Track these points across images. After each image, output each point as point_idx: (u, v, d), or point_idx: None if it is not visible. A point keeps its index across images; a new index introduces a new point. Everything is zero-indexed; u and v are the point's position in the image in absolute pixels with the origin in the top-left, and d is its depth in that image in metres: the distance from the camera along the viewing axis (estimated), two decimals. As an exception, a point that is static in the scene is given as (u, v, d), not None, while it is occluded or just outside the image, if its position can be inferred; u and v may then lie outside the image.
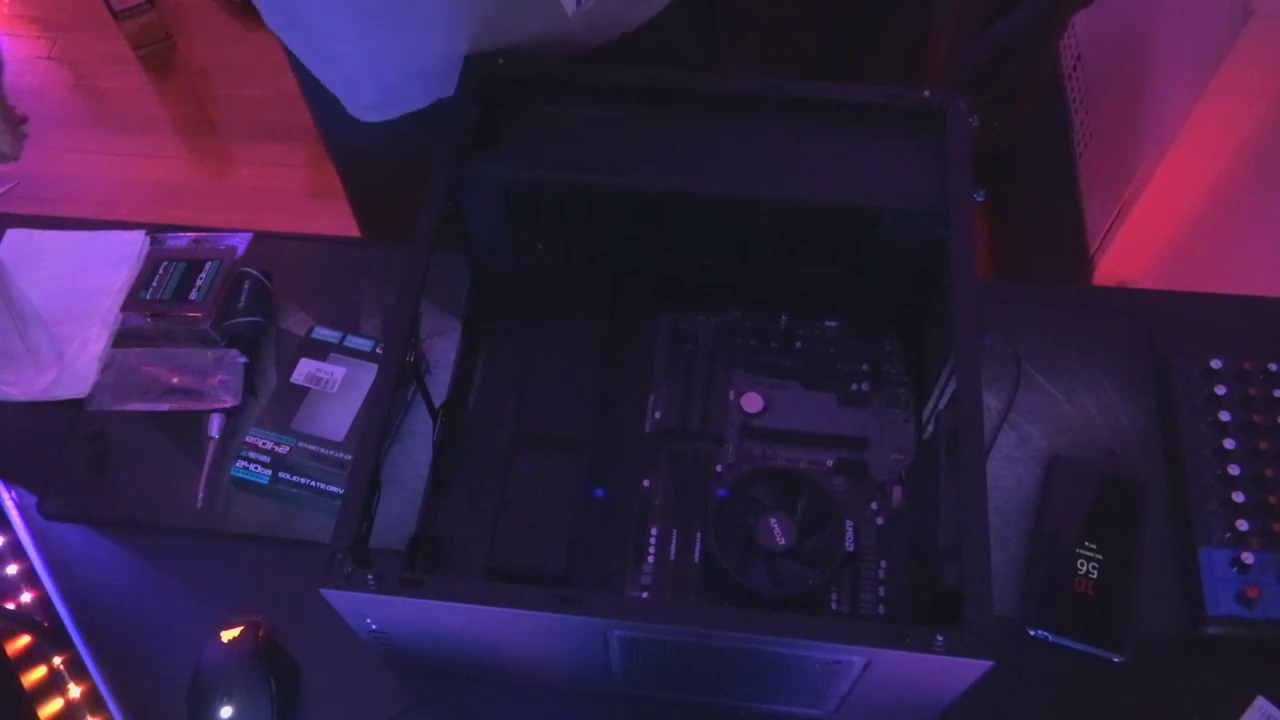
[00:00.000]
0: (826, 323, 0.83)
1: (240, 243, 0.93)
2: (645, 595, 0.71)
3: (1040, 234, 1.65)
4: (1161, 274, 1.38)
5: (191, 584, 0.80)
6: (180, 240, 0.94)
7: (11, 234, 0.96)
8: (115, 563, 0.81)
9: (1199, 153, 1.23)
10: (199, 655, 0.73)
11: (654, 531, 0.73)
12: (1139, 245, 1.37)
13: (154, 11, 2.14)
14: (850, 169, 0.73)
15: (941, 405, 0.72)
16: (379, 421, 0.64)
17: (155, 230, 0.95)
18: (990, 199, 0.72)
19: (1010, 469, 0.82)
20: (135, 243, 0.94)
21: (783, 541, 0.67)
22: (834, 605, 0.70)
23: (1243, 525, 0.76)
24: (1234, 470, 0.78)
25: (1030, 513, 0.79)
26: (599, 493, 0.74)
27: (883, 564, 0.72)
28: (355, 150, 0.98)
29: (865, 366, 0.81)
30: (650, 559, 0.72)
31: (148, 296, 0.90)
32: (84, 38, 2.21)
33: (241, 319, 0.88)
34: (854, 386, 0.80)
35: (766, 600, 0.66)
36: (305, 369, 0.86)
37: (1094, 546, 0.75)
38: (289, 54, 0.88)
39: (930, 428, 0.74)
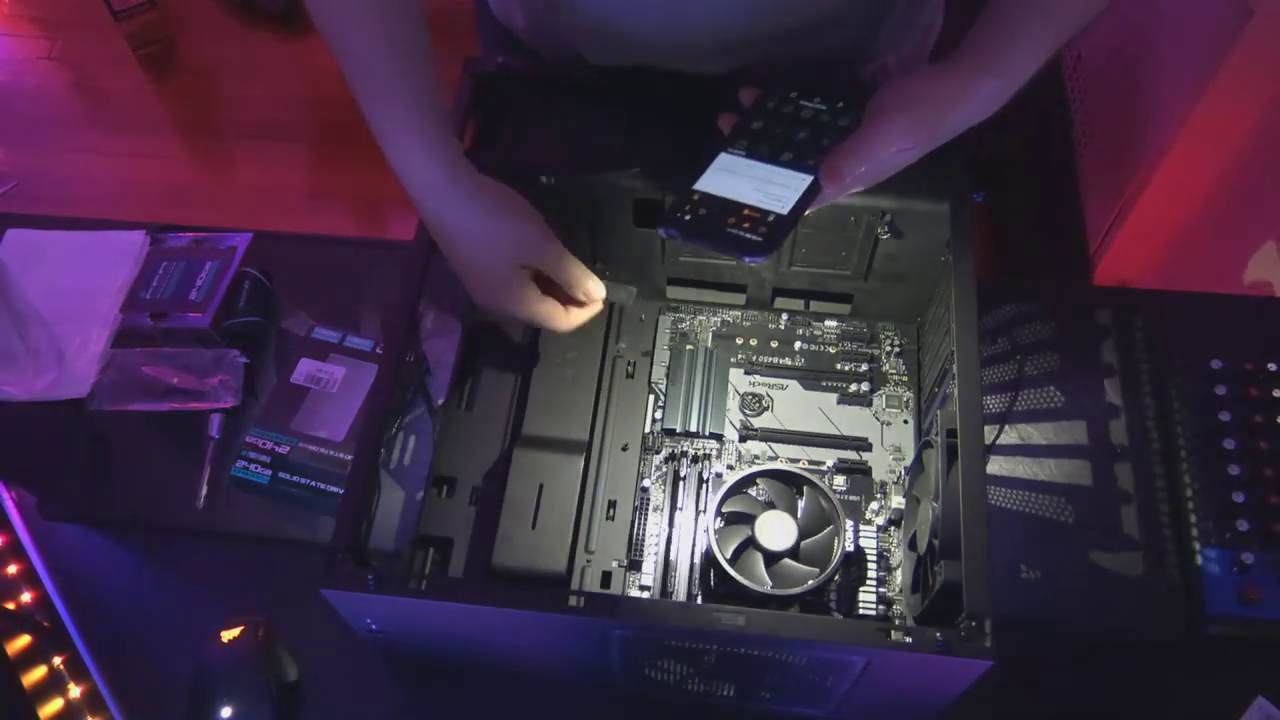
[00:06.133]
0: (826, 323, 0.83)
1: (240, 243, 0.93)
2: (645, 595, 0.71)
3: (1040, 234, 1.65)
4: (1161, 274, 1.38)
5: (191, 584, 0.80)
6: (180, 240, 0.94)
7: (12, 234, 0.96)
8: (115, 563, 0.81)
9: (1199, 153, 1.23)
10: (199, 655, 0.73)
11: (654, 531, 0.73)
12: (1139, 245, 1.37)
13: (154, 11, 2.14)
14: (850, 169, 0.73)
15: (941, 405, 0.72)
16: (379, 421, 0.64)
17: (155, 230, 0.95)
18: (990, 199, 0.72)
19: (1010, 469, 0.82)
20: (135, 243, 0.94)
21: (783, 541, 0.67)
22: (834, 605, 0.70)
23: (1243, 525, 0.76)
24: (1234, 470, 0.78)
25: (1028, 515, 0.79)
26: (599, 492, 0.74)
27: (883, 564, 0.72)
28: None
29: (865, 366, 0.81)
30: (650, 559, 0.72)
31: (148, 296, 0.90)
32: (84, 38, 2.21)
33: (241, 319, 0.88)
34: (854, 386, 0.80)
35: (766, 600, 0.66)
36: (305, 369, 0.86)
37: None
38: None
39: (930, 428, 0.74)
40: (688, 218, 0.60)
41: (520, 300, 0.68)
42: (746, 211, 0.59)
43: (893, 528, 0.74)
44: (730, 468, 0.76)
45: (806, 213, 0.60)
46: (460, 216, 0.67)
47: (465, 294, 0.81)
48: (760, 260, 0.59)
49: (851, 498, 0.75)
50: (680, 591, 0.71)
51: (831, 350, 0.82)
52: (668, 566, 0.72)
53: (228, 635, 0.73)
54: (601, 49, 0.79)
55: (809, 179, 0.60)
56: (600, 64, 0.80)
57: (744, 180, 0.61)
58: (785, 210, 0.59)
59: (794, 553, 0.68)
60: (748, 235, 0.58)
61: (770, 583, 0.67)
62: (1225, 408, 0.81)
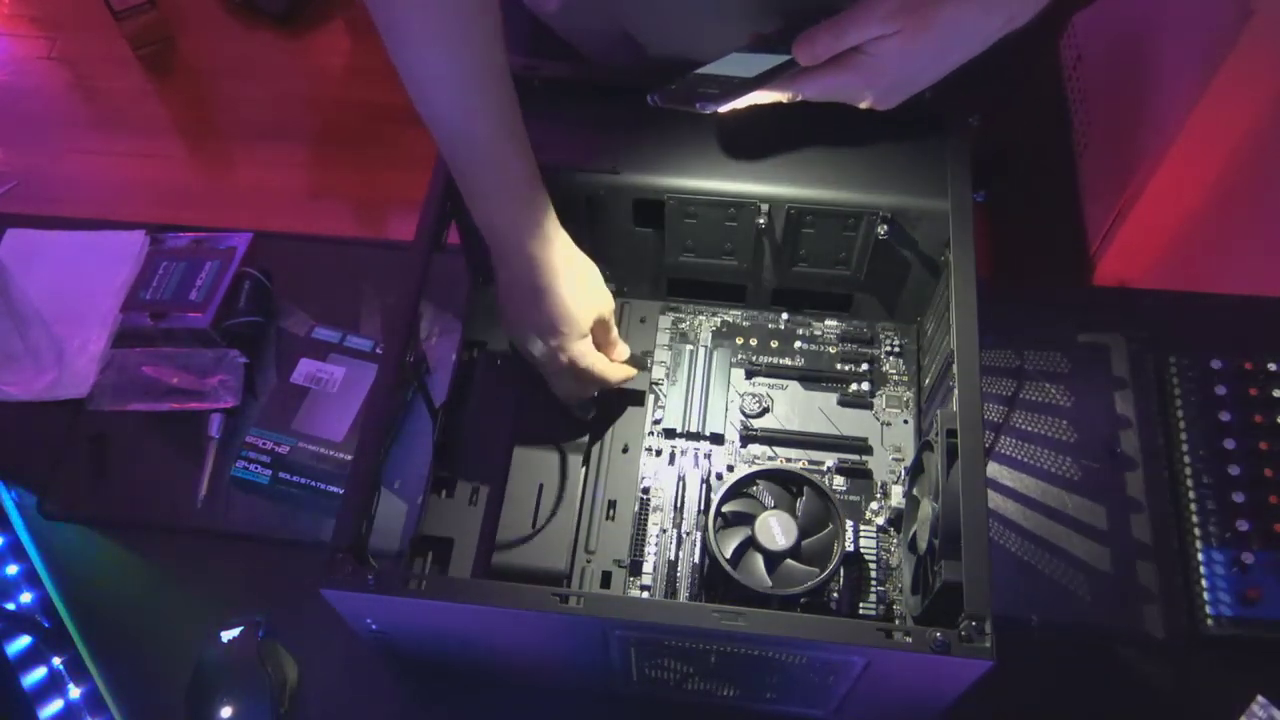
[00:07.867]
0: (826, 323, 0.83)
1: (240, 243, 0.93)
2: (645, 595, 0.71)
3: (1040, 234, 1.65)
4: (1161, 274, 1.38)
5: (191, 584, 0.80)
6: (180, 240, 0.94)
7: (11, 234, 0.96)
8: (115, 563, 0.81)
9: (1199, 153, 1.23)
10: (199, 655, 0.73)
11: (654, 531, 0.73)
12: (1139, 245, 1.37)
13: (154, 11, 2.14)
14: (851, 169, 0.73)
15: (941, 405, 0.72)
16: (379, 421, 0.64)
17: (155, 230, 0.95)
18: (990, 199, 0.72)
19: (1010, 469, 0.82)
20: (135, 243, 0.94)
21: (783, 541, 0.67)
22: (834, 605, 0.70)
23: (1243, 525, 0.76)
24: (1234, 470, 0.78)
25: (1028, 515, 0.79)
26: (599, 492, 0.74)
27: (883, 564, 0.72)
28: None
29: (865, 366, 0.81)
30: (650, 559, 0.72)
31: (148, 296, 0.90)
32: (84, 38, 2.21)
33: (241, 319, 0.88)
34: (854, 386, 0.80)
35: (766, 600, 0.66)
36: (305, 369, 0.86)
37: None
38: None
39: (930, 428, 0.74)
40: (672, 87, 0.64)
41: (589, 352, 0.72)
42: (720, 79, 0.64)
43: (892, 528, 0.74)
44: (730, 468, 0.76)
45: (784, 96, 0.64)
46: (559, 284, 0.68)
47: (465, 294, 0.81)
48: (707, 109, 0.62)
49: (851, 498, 0.75)
50: (680, 592, 0.71)
51: (831, 350, 0.82)
52: (668, 567, 0.72)
53: (227, 635, 0.73)
54: (641, 13, 0.78)
55: (786, 57, 0.63)
56: (645, 40, 0.78)
57: (736, 65, 0.65)
58: (750, 75, 0.63)
59: (794, 553, 0.68)
60: (709, 93, 0.63)
61: (770, 583, 0.67)
62: (1225, 408, 0.81)
